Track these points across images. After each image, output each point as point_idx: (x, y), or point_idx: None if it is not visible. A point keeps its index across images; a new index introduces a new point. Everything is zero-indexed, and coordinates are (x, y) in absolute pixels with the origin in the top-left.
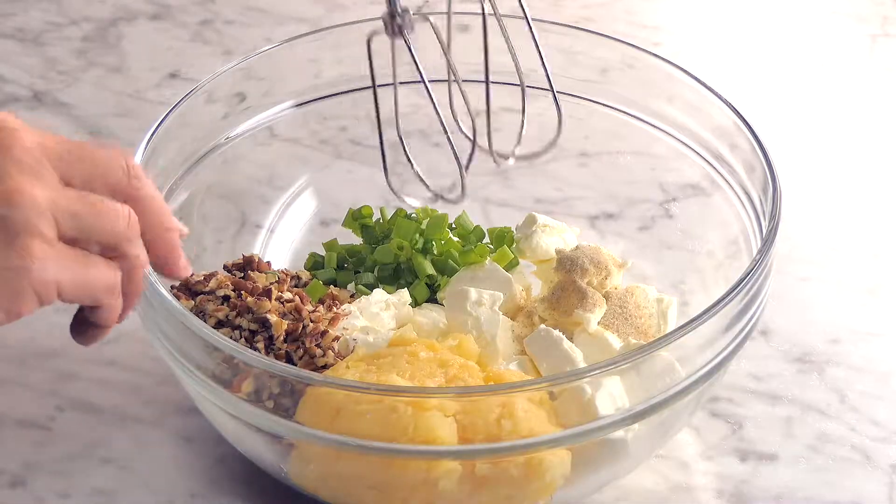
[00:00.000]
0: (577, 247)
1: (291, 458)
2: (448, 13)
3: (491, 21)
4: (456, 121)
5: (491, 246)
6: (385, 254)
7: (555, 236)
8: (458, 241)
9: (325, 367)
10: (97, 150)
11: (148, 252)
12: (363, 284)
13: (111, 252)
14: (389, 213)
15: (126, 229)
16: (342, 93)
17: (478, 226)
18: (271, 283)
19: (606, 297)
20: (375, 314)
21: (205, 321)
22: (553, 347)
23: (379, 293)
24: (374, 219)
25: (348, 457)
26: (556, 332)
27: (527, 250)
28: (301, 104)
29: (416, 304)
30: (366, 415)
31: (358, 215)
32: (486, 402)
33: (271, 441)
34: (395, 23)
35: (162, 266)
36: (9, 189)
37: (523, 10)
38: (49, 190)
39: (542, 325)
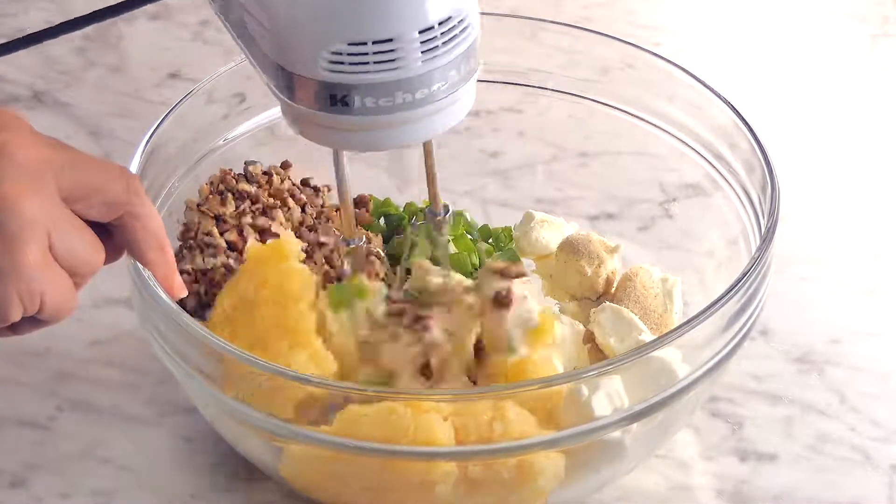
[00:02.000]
0: (568, 236)
1: (287, 459)
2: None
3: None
4: None
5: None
6: (398, 246)
7: (553, 231)
8: (470, 239)
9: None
10: (99, 164)
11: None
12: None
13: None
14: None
15: (100, 264)
16: None
17: (485, 224)
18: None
19: (608, 282)
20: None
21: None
22: (620, 320)
23: None
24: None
25: (341, 458)
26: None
27: (526, 247)
28: None
29: None
30: (363, 415)
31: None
32: (480, 405)
33: (268, 442)
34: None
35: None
36: (7, 194)
37: None
38: (46, 203)
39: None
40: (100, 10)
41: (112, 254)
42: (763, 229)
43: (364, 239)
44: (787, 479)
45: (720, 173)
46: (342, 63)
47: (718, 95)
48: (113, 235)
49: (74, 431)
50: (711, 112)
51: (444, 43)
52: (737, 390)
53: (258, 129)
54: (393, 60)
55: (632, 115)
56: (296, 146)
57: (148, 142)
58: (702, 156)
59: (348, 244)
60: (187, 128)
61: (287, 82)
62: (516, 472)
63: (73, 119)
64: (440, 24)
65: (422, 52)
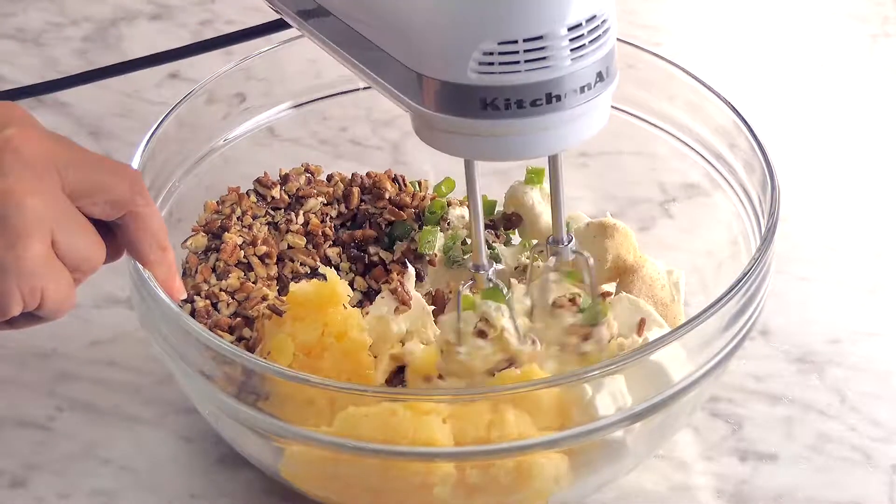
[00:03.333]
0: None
1: (287, 459)
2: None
3: None
4: None
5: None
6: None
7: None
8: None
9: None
10: (104, 162)
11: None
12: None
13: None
14: None
15: (101, 262)
16: (342, 93)
17: (493, 200)
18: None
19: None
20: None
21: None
22: (637, 311)
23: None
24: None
25: (341, 459)
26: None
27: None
28: (301, 104)
29: None
30: (364, 416)
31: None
32: (479, 406)
33: (268, 442)
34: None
35: (157, 285)
36: (12, 189)
37: None
38: (50, 199)
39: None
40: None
41: (112, 253)
42: (763, 229)
43: (493, 265)
44: (787, 479)
45: (720, 173)
46: (492, 64)
47: (718, 95)
48: (114, 234)
49: (74, 431)
50: (711, 112)
51: (590, 42)
52: (737, 390)
53: (258, 129)
54: (544, 59)
55: (632, 115)
56: (295, 146)
57: (148, 142)
58: (702, 156)
59: (478, 270)
60: (187, 128)
61: (424, 89)
62: (515, 475)
63: (73, 119)
64: (587, 21)
65: (570, 50)
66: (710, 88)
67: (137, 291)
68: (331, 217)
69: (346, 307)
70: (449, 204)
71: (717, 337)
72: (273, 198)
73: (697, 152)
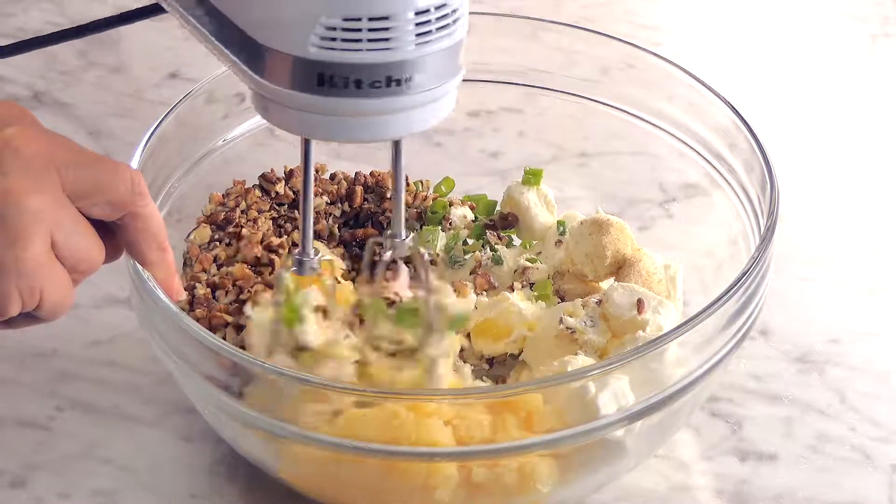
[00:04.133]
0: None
1: (287, 460)
2: None
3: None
4: None
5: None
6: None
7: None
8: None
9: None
10: (104, 162)
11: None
12: None
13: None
14: None
15: (100, 262)
16: None
17: (493, 201)
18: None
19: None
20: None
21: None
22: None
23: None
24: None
25: (341, 460)
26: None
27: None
28: None
29: None
30: (364, 417)
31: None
32: (479, 406)
33: (268, 442)
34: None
35: (157, 286)
36: (12, 189)
37: None
38: (51, 199)
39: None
40: (103, 18)
41: (111, 253)
42: (762, 229)
43: (318, 255)
44: (787, 479)
45: (720, 173)
46: (334, 40)
47: (718, 95)
48: (113, 234)
49: (74, 431)
50: (711, 112)
51: (437, 29)
52: (737, 390)
53: (258, 129)
54: (387, 40)
55: (632, 115)
56: (296, 146)
57: (148, 142)
58: (701, 156)
59: (301, 262)
60: (187, 128)
61: (264, 60)
62: (517, 476)
63: (73, 119)
64: (436, 8)
65: (416, 35)
66: (709, 88)
67: (137, 291)
68: (334, 216)
69: (339, 280)
70: (451, 204)
71: (716, 336)
72: (277, 193)
73: (697, 152)
